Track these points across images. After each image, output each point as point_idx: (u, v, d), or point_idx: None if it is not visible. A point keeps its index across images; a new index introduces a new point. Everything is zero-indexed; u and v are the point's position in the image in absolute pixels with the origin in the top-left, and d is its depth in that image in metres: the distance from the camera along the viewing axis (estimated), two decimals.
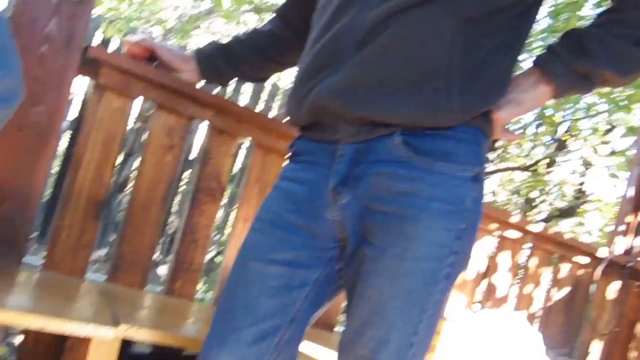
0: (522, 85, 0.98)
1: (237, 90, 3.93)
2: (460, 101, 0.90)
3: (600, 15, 1.00)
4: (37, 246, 3.54)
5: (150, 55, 1.38)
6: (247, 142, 3.76)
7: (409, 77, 0.90)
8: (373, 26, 0.92)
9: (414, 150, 0.91)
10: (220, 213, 3.80)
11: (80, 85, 3.49)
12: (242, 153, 4.02)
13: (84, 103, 3.60)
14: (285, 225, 1.00)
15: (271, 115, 4.00)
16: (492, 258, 2.16)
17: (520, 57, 1.01)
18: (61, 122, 1.35)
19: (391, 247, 0.91)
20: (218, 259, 4.22)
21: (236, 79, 1.39)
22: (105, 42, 3.80)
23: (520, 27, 0.97)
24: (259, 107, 4.04)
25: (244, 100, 4.06)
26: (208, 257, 3.89)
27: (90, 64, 1.37)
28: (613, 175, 4.11)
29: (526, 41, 1.03)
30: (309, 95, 0.97)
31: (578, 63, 0.95)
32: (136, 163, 3.90)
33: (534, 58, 1.01)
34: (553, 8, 3.88)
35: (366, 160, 0.94)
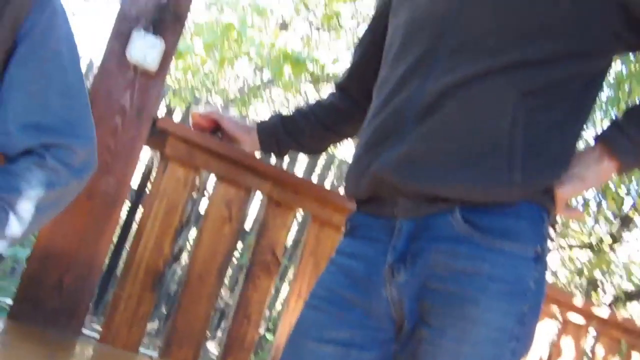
0: (586, 161, 0.95)
1: (293, 160, 3.99)
2: (521, 176, 0.88)
3: None
4: (89, 316, 3.55)
5: (215, 127, 1.42)
6: (298, 215, 3.77)
7: (470, 152, 0.89)
8: (435, 99, 0.92)
9: (474, 227, 0.89)
10: None
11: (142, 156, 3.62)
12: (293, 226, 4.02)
13: (144, 175, 3.71)
14: (341, 302, 0.97)
15: (326, 185, 4.02)
16: (555, 344, 2.03)
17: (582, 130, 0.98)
18: (127, 193, 1.38)
19: (450, 329, 0.87)
20: (267, 335, 4.12)
21: (294, 151, 1.41)
22: (170, 112, 3.97)
23: (584, 100, 0.95)
24: (314, 178, 4.08)
25: (298, 170, 4.12)
26: None
27: (157, 135, 1.42)
28: None
29: (590, 114, 1.00)
30: (368, 169, 0.97)
31: None
32: (191, 234, 3.96)
33: (596, 130, 0.98)
34: (615, 79, 3.83)
35: (425, 236, 0.92)
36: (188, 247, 4.10)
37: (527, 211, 0.91)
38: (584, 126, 0.99)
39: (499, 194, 0.89)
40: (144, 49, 1.33)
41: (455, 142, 0.90)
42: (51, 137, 1.00)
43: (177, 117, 4.06)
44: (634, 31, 0.92)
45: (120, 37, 1.34)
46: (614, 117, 0.99)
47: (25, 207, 0.98)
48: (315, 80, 3.98)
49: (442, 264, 0.89)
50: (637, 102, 0.97)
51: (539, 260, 0.91)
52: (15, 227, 0.97)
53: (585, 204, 3.71)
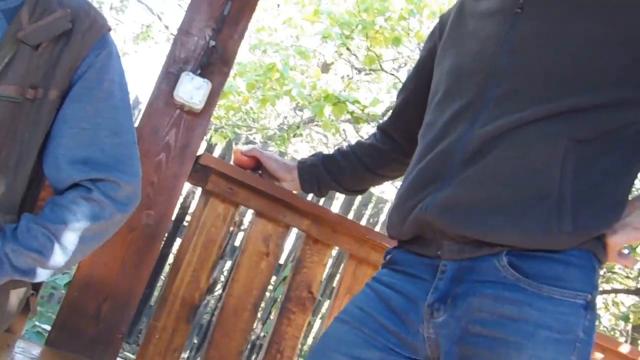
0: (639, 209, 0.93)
1: (330, 197, 4.01)
2: (572, 224, 0.87)
3: None
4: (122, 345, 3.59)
5: (256, 164, 1.46)
6: (333, 252, 3.76)
7: (518, 198, 0.89)
8: (482, 143, 0.92)
9: (522, 272, 0.88)
10: None
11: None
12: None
13: (183, 207, 3.79)
14: (374, 325, 0.97)
15: (363, 222, 4.01)
16: None
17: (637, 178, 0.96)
18: (168, 226, 1.42)
19: None
20: None
21: (334, 190, 1.43)
22: (210, 148, 4.07)
23: (636, 148, 0.94)
24: (351, 215, 4.08)
25: (336, 206, 4.13)
26: None
27: (199, 171, 1.46)
28: None
29: None
30: (413, 211, 0.97)
31: None
32: (226, 266, 3.98)
33: None
34: None
35: (469, 279, 0.91)
36: (222, 279, 4.13)
37: (578, 258, 0.89)
38: (637, 174, 0.97)
39: (548, 242, 0.88)
40: (191, 89, 1.39)
41: (502, 188, 0.90)
42: (99, 172, 1.04)
43: (217, 152, 4.15)
44: None
45: (169, 77, 1.41)
46: None
47: (70, 238, 1.01)
48: (355, 120, 4.03)
49: (487, 308, 0.88)
50: None
51: (589, 308, 0.89)
52: (58, 257, 1.01)
53: (632, 249, 3.59)
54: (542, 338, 0.85)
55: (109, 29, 1.10)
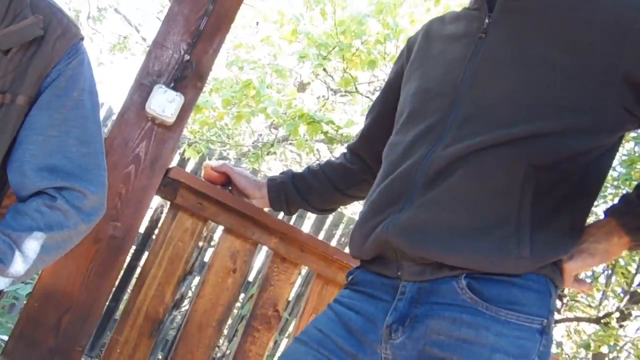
0: (596, 235, 0.95)
1: (301, 217, 4.01)
2: (530, 249, 0.88)
3: None
4: (84, 358, 3.51)
5: (226, 180, 1.46)
6: (302, 271, 3.75)
7: (478, 221, 0.90)
8: (443, 166, 0.93)
9: (480, 296, 0.89)
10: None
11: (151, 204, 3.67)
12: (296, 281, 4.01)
13: (152, 220, 3.75)
14: (332, 348, 0.97)
15: (334, 243, 4.01)
16: None
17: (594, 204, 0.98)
18: (134, 238, 1.41)
19: None
20: None
21: (303, 209, 1.43)
22: (183, 163, 4.04)
23: (594, 174, 0.96)
24: (322, 235, 4.08)
25: (307, 226, 4.13)
26: None
27: (169, 184, 1.46)
28: None
29: (601, 188, 1.01)
30: (374, 231, 0.98)
31: None
32: (195, 282, 3.93)
33: (608, 205, 0.98)
34: (627, 157, 3.85)
35: (428, 301, 0.92)
36: (190, 294, 4.07)
37: (535, 283, 0.91)
38: (595, 200, 0.99)
39: (507, 265, 0.89)
40: (163, 102, 1.38)
41: (461, 212, 0.91)
42: (65, 181, 1.03)
43: (190, 167, 4.12)
44: None
45: (142, 89, 1.40)
46: (625, 193, 0.99)
47: (32, 246, 1.00)
48: (329, 141, 4.06)
49: (444, 330, 0.89)
50: None
51: (545, 333, 0.90)
52: (18, 266, 0.99)
53: (594, 278, 3.66)
54: None
55: (82, 38, 1.10)
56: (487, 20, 1.00)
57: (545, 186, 0.91)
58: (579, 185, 0.94)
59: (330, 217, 4.17)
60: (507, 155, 0.91)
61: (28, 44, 1.01)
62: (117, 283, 3.73)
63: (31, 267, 1.01)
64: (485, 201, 0.90)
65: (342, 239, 4.17)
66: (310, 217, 4.22)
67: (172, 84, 1.42)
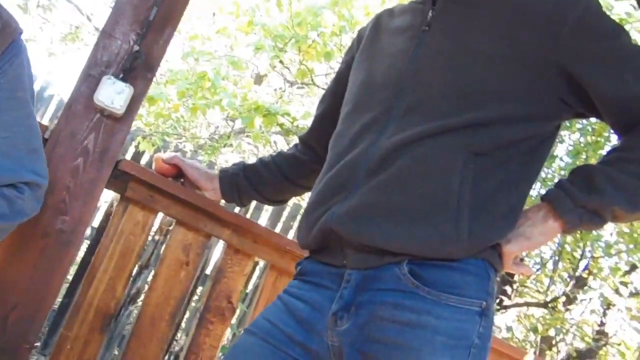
0: (531, 219, 0.99)
1: (258, 209, 4.00)
2: (468, 233, 0.91)
3: (609, 152, 1.03)
4: (37, 357, 3.42)
5: (178, 172, 1.45)
6: (261, 262, 3.76)
7: (418, 207, 0.93)
8: (386, 155, 0.96)
9: (421, 281, 0.92)
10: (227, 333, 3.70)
11: (104, 197, 3.61)
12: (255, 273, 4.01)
13: (106, 213, 3.68)
14: (280, 337, 0.99)
15: (290, 235, 4.02)
16: None
17: (534, 191, 1.02)
18: (84, 233, 1.38)
19: None
20: None
21: (255, 200, 1.44)
22: (137, 156, 3.97)
23: (532, 161, 1.00)
24: (279, 227, 4.09)
25: (264, 218, 4.13)
26: None
27: (119, 177, 1.44)
28: (634, 317, 3.97)
29: (538, 175, 1.05)
30: (319, 221, 1.00)
31: (587, 199, 0.95)
32: (151, 276, 3.89)
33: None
34: (572, 147, 3.99)
35: (372, 287, 0.94)
36: (147, 289, 4.02)
37: (474, 267, 0.94)
38: (531, 186, 1.03)
39: (446, 250, 0.92)
40: (112, 94, 1.36)
41: (403, 198, 0.93)
42: (15, 178, 1.05)
43: (144, 160, 4.06)
44: (579, 99, 0.98)
45: (90, 80, 1.38)
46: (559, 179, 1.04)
47: None
48: (286, 133, 4.06)
49: (387, 315, 0.91)
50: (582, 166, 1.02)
51: (484, 315, 0.93)
52: None
53: (542, 264, 3.80)
54: (439, 344, 0.89)
55: (21, 32, 1.09)
56: (430, 14, 1.03)
57: (483, 172, 0.94)
58: (517, 172, 0.98)
59: (287, 210, 4.18)
60: (447, 144, 0.94)
61: None
62: (70, 279, 3.66)
63: None
64: (425, 188, 0.93)
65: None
66: (268, 210, 4.22)
67: (121, 75, 1.39)
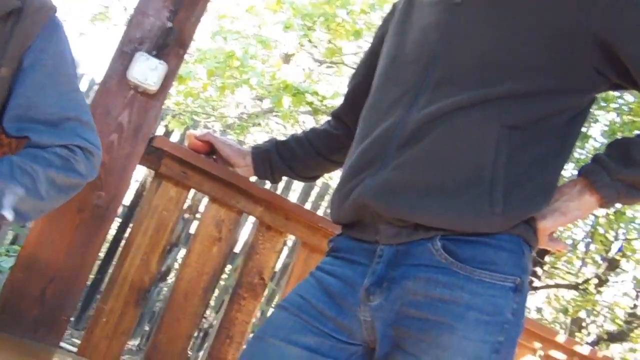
0: (567, 195, 0.97)
1: (287, 188, 4.01)
2: (503, 208, 0.90)
3: None
4: (70, 331, 3.52)
5: (210, 149, 1.45)
6: (289, 242, 3.78)
7: (452, 181, 0.91)
8: (418, 127, 0.94)
9: (454, 256, 0.91)
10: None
11: (136, 175, 3.66)
12: (284, 250, 4.04)
13: (137, 192, 3.73)
14: (313, 312, 0.99)
15: (319, 214, 4.03)
16: None
17: (567, 172, 1.00)
18: (118, 208, 1.40)
19: (424, 356, 0.89)
20: None
21: (287, 177, 1.43)
22: (167, 134, 4.00)
23: (567, 135, 0.98)
24: (307, 206, 4.10)
25: (293, 197, 4.14)
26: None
27: (152, 153, 1.45)
28: None
29: (572, 150, 1.03)
30: (350, 194, 0.99)
31: (624, 172, 0.93)
32: (181, 254, 3.95)
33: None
34: (608, 127, 3.89)
35: (405, 263, 0.94)
36: (176, 266, 4.09)
37: (508, 243, 0.92)
38: (567, 160, 1.01)
39: (480, 225, 0.91)
40: (146, 70, 1.37)
41: (436, 172, 0.92)
42: (79, 141, 1.10)
43: (174, 139, 4.09)
44: (614, 69, 0.95)
45: (123, 57, 1.38)
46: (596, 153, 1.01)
47: (44, 180, 1.04)
48: (314, 112, 4.05)
49: (420, 291, 0.91)
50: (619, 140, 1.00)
51: (518, 291, 0.92)
52: (33, 194, 1.04)
53: (574, 245, 3.74)
54: (472, 319, 0.88)
55: (55, 9, 1.11)
56: None
57: (518, 146, 0.92)
58: (551, 147, 0.96)
59: (317, 189, 4.18)
60: (480, 116, 0.92)
61: (6, 16, 1.02)
62: (102, 255, 3.74)
63: (43, 202, 1.06)
64: (458, 161, 0.92)
65: (328, 210, 4.19)
66: (296, 189, 4.23)
67: (154, 52, 1.40)
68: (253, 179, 1.49)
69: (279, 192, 3.93)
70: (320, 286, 1.02)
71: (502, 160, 0.91)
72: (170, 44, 1.42)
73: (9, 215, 1.01)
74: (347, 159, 1.08)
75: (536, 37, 0.93)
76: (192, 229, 3.76)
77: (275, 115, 4.84)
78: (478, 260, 0.91)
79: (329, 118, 1.41)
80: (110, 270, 3.69)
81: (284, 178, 1.46)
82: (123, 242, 3.74)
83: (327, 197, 4.24)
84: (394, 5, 1.21)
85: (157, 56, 1.39)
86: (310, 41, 4.60)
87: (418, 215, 0.92)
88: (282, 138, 1.46)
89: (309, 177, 1.47)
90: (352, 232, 1.03)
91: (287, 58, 5.72)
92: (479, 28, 0.97)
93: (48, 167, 1.05)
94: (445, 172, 0.92)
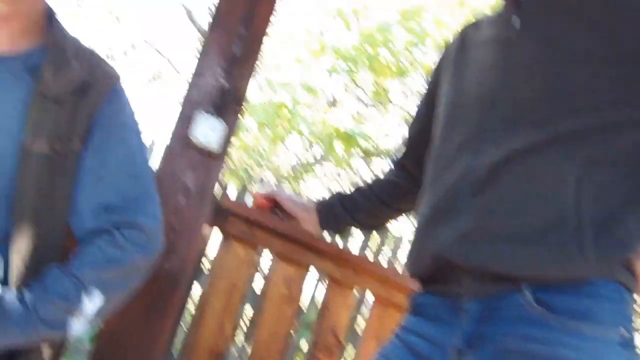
0: None
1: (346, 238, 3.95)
2: (595, 251, 0.82)
3: None
4: None
5: (275, 206, 1.44)
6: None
7: (532, 226, 0.85)
8: (489, 173, 0.89)
9: (547, 308, 0.83)
10: None
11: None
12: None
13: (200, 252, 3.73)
14: None
15: (382, 262, 3.94)
16: None
17: None
18: (191, 271, 1.39)
19: None
20: None
21: (352, 227, 1.40)
22: (223, 189, 4.03)
23: None
24: (368, 254, 4.03)
25: (353, 247, 4.09)
26: None
27: (219, 214, 1.44)
28: None
29: None
30: (427, 247, 0.95)
31: None
32: (245, 312, 3.92)
33: None
34: None
35: (494, 318, 0.87)
36: (242, 324, 4.05)
37: (606, 290, 0.84)
38: None
39: (571, 270, 0.83)
40: (207, 131, 1.38)
41: (514, 217, 0.86)
42: (120, 216, 1.05)
43: (230, 193, 4.12)
44: None
45: (185, 119, 1.40)
46: None
47: (97, 284, 1.00)
48: (367, 155, 4.03)
49: (515, 349, 0.83)
50: None
51: (627, 345, 0.83)
52: (87, 305, 1.00)
53: None
54: None
55: (119, 78, 1.12)
56: (517, 21, 0.97)
57: (603, 183, 0.85)
58: (638, 181, 0.87)
59: (376, 237, 4.10)
60: (554, 155, 0.86)
61: (77, 90, 1.05)
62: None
63: (101, 306, 1.01)
64: (537, 204, 0.85)
65: (391, 259, 4.10)
66: (356, 239, 4.15)
67: (213, 112, 1.41)
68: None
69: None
70: (405, 346, 0.97)
71: (586, 198, 0.84)
72: (227, 102, 1.43)
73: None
74: (419, 210, 1.04)
75: (600, 68, 0.87)
76: (254, 285, 3.73)
77: (328, 162, 4.85)
78: (574, 310, 0.83)
79: (391, 166, 1.38)
80: (176, 332, 3.68)
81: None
82: (188, 301, 3.75)
83: (387, 244, 4.15)
84: (445, 48, 1.19)
85: (216, 115, 1.40)
86: (356, 84, 4.63)
87: (499, 264, 0.86)
88: (337, 185, 1.45)
89: (374, 226, 1.44)
90: (433, 287, 0.98)
91: (333, 102, 5.77)
92: (540, 61, 0.92)
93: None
94: (523, 218, 0.86)
